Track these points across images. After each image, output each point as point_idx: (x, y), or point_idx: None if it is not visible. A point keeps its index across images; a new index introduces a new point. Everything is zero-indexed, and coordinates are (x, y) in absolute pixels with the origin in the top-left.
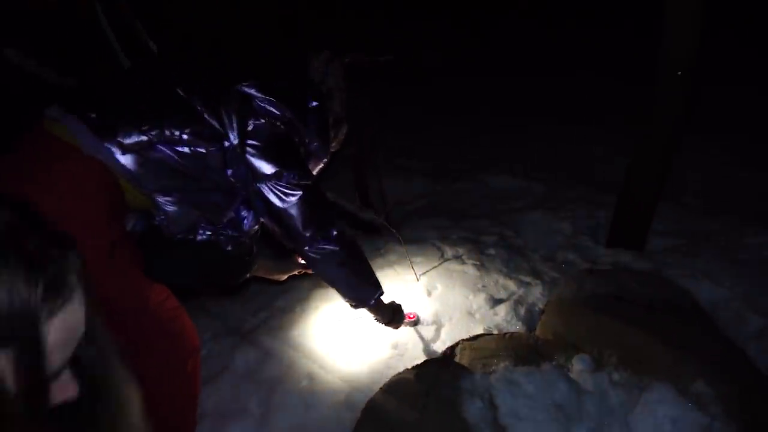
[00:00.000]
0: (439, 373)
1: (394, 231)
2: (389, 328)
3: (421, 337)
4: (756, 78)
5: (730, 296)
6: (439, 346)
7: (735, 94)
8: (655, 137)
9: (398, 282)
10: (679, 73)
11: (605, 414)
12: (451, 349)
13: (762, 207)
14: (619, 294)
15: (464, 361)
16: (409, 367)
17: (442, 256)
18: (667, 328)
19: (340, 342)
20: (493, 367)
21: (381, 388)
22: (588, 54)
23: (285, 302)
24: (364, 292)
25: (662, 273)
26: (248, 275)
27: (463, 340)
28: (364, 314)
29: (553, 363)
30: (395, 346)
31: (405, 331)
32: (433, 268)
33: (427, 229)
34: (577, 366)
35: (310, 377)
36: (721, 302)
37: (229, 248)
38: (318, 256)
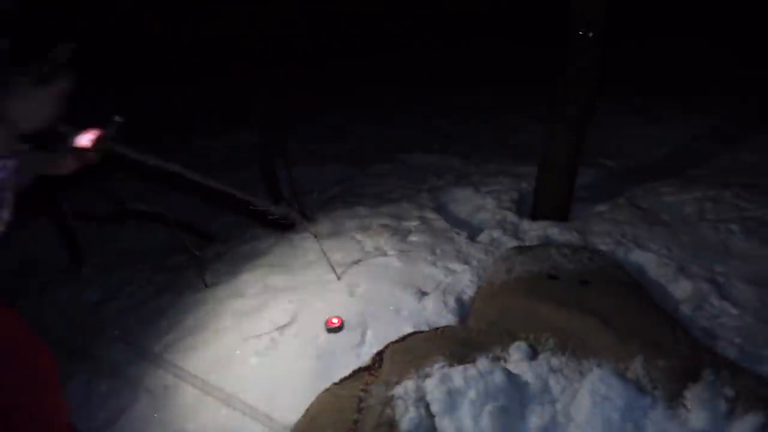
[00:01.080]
0: (368, 385)
1: (310, 227)
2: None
3: (347, 344)
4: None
5: (657, 260)
6: (367, 352)
7: (644, 50)
8: (571, 101)
9: (318, 283)
10: (591, 34)
11: (548, 404)
12: (380, 355)
13: (675, 164)
14: (550, 272)
15: (395, 366)
16: (336, 381)
17: (363, 249)
18: (603, 305)
19: (257, 362)
20: (426, 369)
21: (304, 413)
22: (499, 19)
23: (195, 319)
24: None
25: (590, 243)
26: None
27: (391, 342)
28: None
29: (489, 356)
30: (319, 358)
31: (329, 340)
32: (354, 264)
33: (345, 220)
34: (515, 356)
35: (227, 407)
36: (650, 267)
37: None
38: None
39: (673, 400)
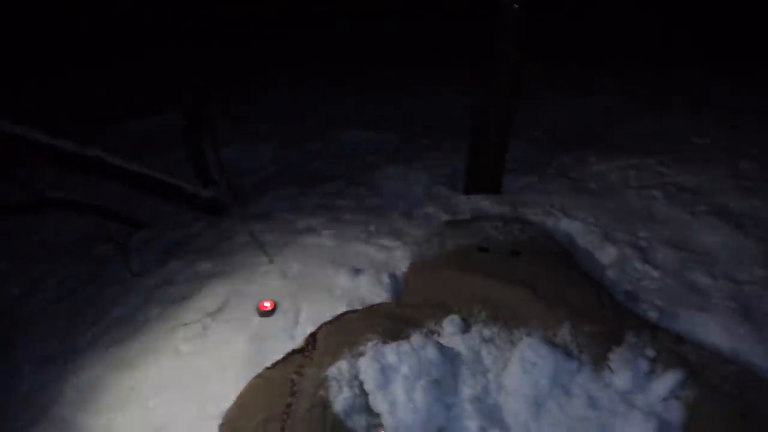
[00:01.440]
0: (302, 368)
1: (241, 210)
2: None
3: (280, 327)
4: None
5: (584, 228)
6: (301, 333)
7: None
8: (498, 75)
9: (249, 267)
10: (516, 5)
11: (479, 375)
12: (313, 336)
13: (604, 134)
14: (482, 245)
15: (329, 347)
16: (268, 365)
17: (296, 230)
18: (532, 275)
19: (187, 350)
20: (360, 348)
21: (235, 400)
22: None
23: (122, 310)
24: None
25: (521, 214)
26: None
27: (325, 323)
28: None
29: (423, 331)
30: (252, 342)
31: (261, 323)
32: (287, 245)
33: (277, 201)
34: (448, 329)
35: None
36: (577, 235)
37: None
38: None
39: (599, 363)
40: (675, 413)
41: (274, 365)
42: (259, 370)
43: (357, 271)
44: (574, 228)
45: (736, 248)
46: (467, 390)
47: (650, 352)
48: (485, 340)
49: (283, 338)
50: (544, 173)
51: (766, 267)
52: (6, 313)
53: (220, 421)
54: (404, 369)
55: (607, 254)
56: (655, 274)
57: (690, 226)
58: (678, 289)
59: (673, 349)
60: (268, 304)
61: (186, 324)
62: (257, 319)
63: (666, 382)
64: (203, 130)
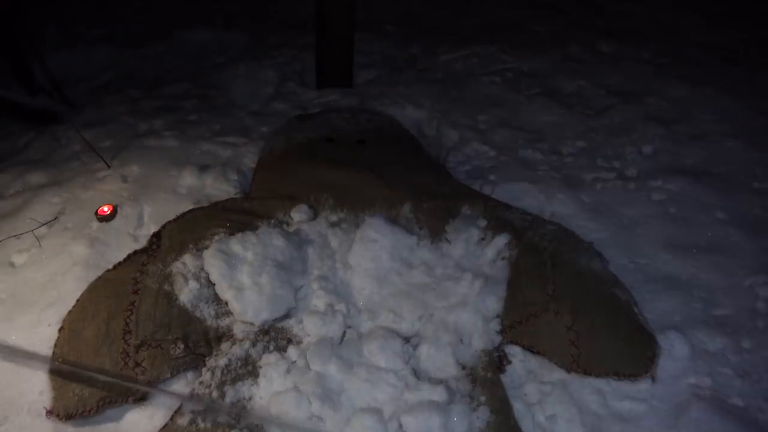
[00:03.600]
0: (145, 266)
1: (73, 116)
2: None
3: (122, 230)
4: None
5: (428, 116)
6: (144, 235)
7: None
8: None
9: (85, 174)
10: None
11: (327, 258)
12: (157, 235)
13: (452, 25)
14: (329, 135)
15: (174, 244)
16: (110, 267)
17: (136, 134)
18: (377, 161)
19: (22, 261)
20: (206, 242)
21: (75, 304)
22: None
23: None
24: None
25: (370, 106)
26: None
27: (169, 221)
28: None
29: (272, 222)
30: (92, 247)
31: (101, 228)
32: (126, 149)
33: (116, 106)
34: (296, 217)
35: None
36: (422, 123)
37: None
38: None
39: (437, 235)
40: (501, 271)
41: (116, 267)
42: (101, 273)
43: (202, 169)
44: (419, 116)
45: (563, 125)
46: (315, 272)
47: (482, 222)
48: (332, 225)
49: (126, 241)
50: (394, 66)
51: (585, 139)
52: None
53: (59, 326)
54: (249, 256)
55: (449, 138)
56: (492, 153)
57: (525, 107)
58: (511, 165)
59: (502, 216)
60: (107, 209)
61: (19, 236)
62: (97, 224)
63: (495, 245)
64: (23, 38)
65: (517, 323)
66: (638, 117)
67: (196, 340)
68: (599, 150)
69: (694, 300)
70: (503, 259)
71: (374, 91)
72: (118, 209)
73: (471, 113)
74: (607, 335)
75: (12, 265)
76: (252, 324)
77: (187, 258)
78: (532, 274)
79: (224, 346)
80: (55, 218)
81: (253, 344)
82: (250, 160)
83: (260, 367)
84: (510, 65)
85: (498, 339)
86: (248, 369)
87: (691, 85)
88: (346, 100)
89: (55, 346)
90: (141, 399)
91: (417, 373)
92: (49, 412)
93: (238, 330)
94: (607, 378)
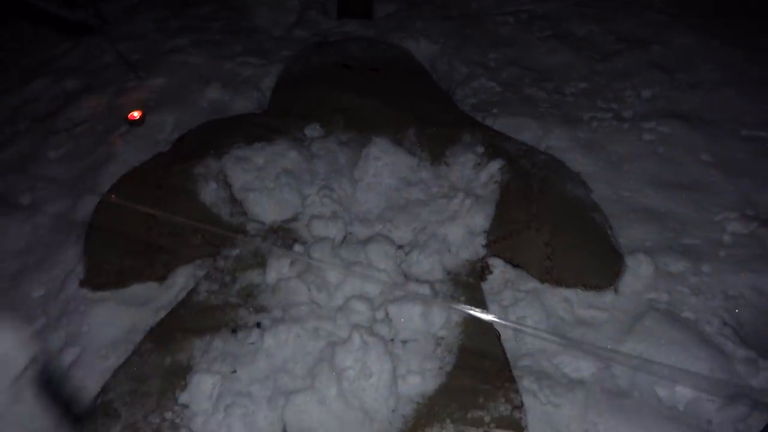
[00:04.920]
0: (170, 167)
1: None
2: None
3: (149, 134)
4: None
5: (441, 51)
6: (168, 140)
7: None
8: None
9: (116, 83)
10: None
11: (334, 172)
12: (181, 140)
13: None
14: (345, 62)
15: (197, 149)
16: (137, 164)
17: (163, 49)
18: (387, 88)
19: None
20: (226, 149)
21: (108, 190)
22: None
23: None
24: None
25: (387, 37)
26: None
27: (192, 129)
28: None
29: (287, 136)
30: (123, 146)
31: (131, 131)
32: (154, 62)
33: (146, 22)
34: (309, 134)
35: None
36: (435, 57)
37: None
38: None
39: (436, 159)
40: (491, 193)
41: (143, 164)
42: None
43: (224, 86)
44: (433, 51)
45: (569, 67)
46: (322, 182)
47: (480, 149)
48: (341, 143)
49: (152, 145)
50: (413, 1)
51: (588, 81)
52: None
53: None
54: (264, 164)
55: (459, 73)
56: (498, 89)
57: (535, 48)
58: (514, 101)
59: (499, 145)
60: (136, 114)
61: (56, 133)
62: (126, 128)
63: (488, 170)
64: None
65: (501, 238)
66: (642, 63)
67: (212, 233)
68: (600, 92)
69: (667, 230)
70: (495, 182)
71: (392, 25)
72: (146, 116)
73: (482, 51)
74: (579, 251)
75: (47, 158)
76: (263, 223)
77: (209, 161)
78: (519, 196)
79: (237, 240)
80: (88, 121)
81: (263, 240)
82: (269, 80)
83: (268, 259)
84: (525, 7)
85: (482, 251)
86: (257, 260)
87: (699, 36)
88: (364, 31)
89: (92, 219)
90: (162, 277)
91: (407, 276)
92: (83, 282)
93: (250, 228)
94: (575, 288)
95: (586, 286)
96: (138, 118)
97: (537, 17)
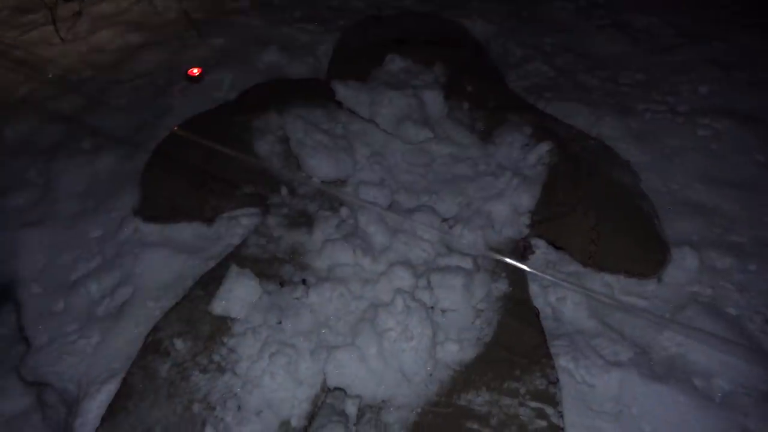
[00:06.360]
0: (232, 116)
1: None
2: None
3: (208, 90)
4: None
5: (498, 31)
6: (225, 97)
7: None
8: None
9: (178, 39)
10: None
11: (386, 142)
12: (244, 94)
13: None
14: (401, 36)
15: (259, 103)
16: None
17: (224, 9)
18: (441, 56)
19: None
20: (286, 106)
21: (167, 135)
22: None
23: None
24: None
25: (443, 14)
26: None
27: (255, 85)
28: None
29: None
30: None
31: (190, 87)
32: (215, 22)
33: None
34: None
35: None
36: (490, 37)
37: None
38: None
39: (486, 137)
40: (539, 174)
41: (209, 112)
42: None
43: (282, 49)
44: (489, 30)
45: (626, 57)
46: (373, 152)
47: (528, 130)
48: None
49: (209, 101)
50: None
51: (644, 72)
52: None
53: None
54: (323, 124)
55: (513, 55)
56: (552, 74)
57: (592, 36)
58: (567, 87)
59: (548, 127)
60: (196, 71)
61: (118, 83)
62: (185, 83)
63: (536, 151)
64: None
65: (546, 220)
66: (701, 59)
67: (263, 184)
68: (656, 84)
69: (715, 226)
70: (543, 164)
71: (448, 1)
72: (205, 73)
73: (538, 35)
74: (625, 238)
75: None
76: (315, 179)
77: (270, 115)
78: (567, 179)
79: (287, 197)
80: (149, 74)
81: (312, 200)
82: (325, 47)
83: (315, 220)
84: None
85: (526, 231)
86: (304, 219)
87: (761, 35)
88: (419, 7)
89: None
90: (210, 220)
91: (449, 248)
92: (137, 212)
93: (300, 185)
94: (618, 275)
95: (630, 273)
96: (197, 74)
97: (596, 5)
